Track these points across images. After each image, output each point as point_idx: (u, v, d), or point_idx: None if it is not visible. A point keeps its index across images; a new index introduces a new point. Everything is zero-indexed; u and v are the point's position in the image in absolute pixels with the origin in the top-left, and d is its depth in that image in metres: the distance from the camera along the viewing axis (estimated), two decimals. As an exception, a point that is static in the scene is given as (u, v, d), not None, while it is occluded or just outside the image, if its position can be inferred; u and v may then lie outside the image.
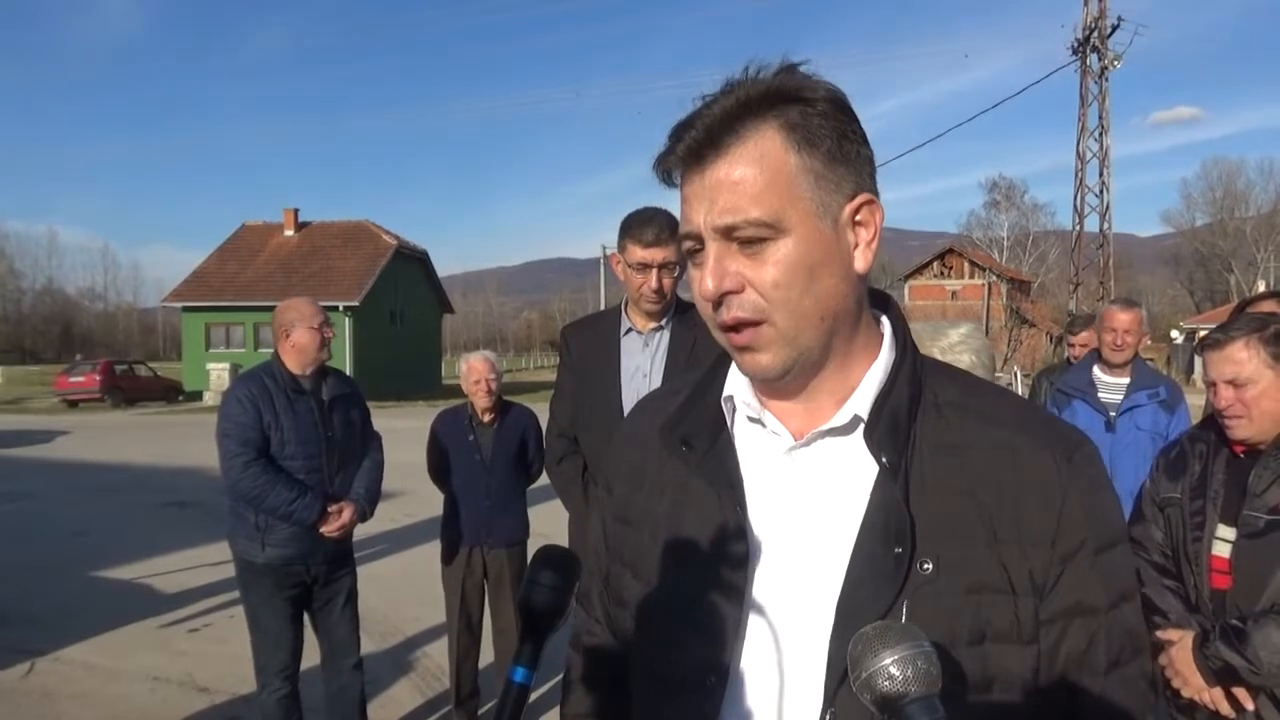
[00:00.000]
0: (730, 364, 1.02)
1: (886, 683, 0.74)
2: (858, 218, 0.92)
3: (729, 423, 1.02)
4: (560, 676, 4.37)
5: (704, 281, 0.91)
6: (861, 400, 0.95)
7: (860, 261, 0.92)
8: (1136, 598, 0.96)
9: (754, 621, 0.95)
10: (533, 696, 4.66)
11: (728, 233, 0.89)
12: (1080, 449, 0.95)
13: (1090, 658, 0.91)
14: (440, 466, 4.29)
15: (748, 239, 0.88)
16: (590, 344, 2.96)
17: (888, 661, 0.74)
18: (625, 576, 1.07)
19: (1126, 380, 4.10)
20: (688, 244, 0.94)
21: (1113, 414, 4.04)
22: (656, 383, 2.76)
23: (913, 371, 0.97)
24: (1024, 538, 0.90)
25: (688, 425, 1.03)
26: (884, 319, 1.02)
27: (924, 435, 0.94)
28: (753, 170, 0.88)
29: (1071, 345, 5.13)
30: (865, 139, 0.93)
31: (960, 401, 0.97)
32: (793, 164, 0.88)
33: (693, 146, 0.90)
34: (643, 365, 2.83)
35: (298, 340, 3.46)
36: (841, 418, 0.95)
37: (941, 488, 0.91)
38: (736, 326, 0.91)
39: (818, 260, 0.89)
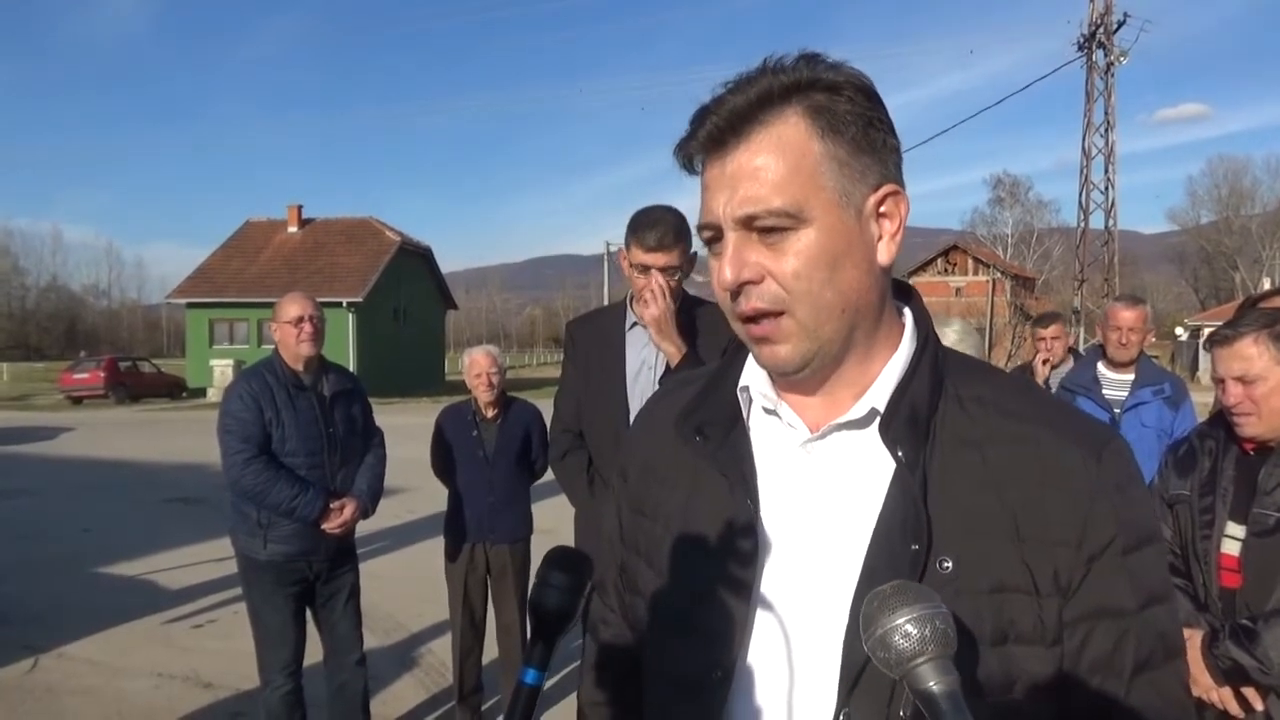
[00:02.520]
0: (748, 354, 1.00)
1: (902, 640, 0.72)
2: (882, 209, 0.90)
3: (745, 413, 1.00)
4: (567, 670, 4.35)
5: (723, 271, 0.89)
6: (879, 393, 0.93)
7: (884, 254, 0.90)
8: (1171, 600, 0.92)
9: (763, 617, 0.93)
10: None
11: (748, 222, 0.87)
12: (1109, 445, 0.91)
13: (1117, 660, 0.88)
14: (444, 462, 4.29)
15: (768, 228, 0.87)
16: (595, 338, 2.95)
17: (904, 620, 0.72)
18: (640, 566, 1.06)
19: (1131, 377, 4.08)
20: (706, 233, 0.92)
21: (1117, 411, 4.02)
22: (661, 377, 2.75)
23: (934, 364, 0.94)
24: (1049, 537, 0.87)
25: (702, 414, 1.01)
26: (906, 310, 0.99)
27: (945, 429, 0.91)
28: (774, 158, 0.86)
29: (1041, 339, 5.04)
30: (892, 128, 0.90)
31: (984, 395, 0.94)
32: (816, 151, 0.86)
33: (714, 133, 0.88)
34: (648, 359, 2.82)
35: (279, 336, 3.48)
36: (858, 410, 0.93)
37: (962, 484, 0.89)
38: (755, 317, 0.89)
39: (840, 251, 0.87)
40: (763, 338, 0.90)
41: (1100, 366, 4.19)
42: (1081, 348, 5.46)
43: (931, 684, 0.71)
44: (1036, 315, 6.04)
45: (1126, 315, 4.08)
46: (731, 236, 0.88)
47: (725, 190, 0.88)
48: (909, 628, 0.72)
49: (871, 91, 0.89)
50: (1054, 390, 4.47)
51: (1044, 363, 4.92)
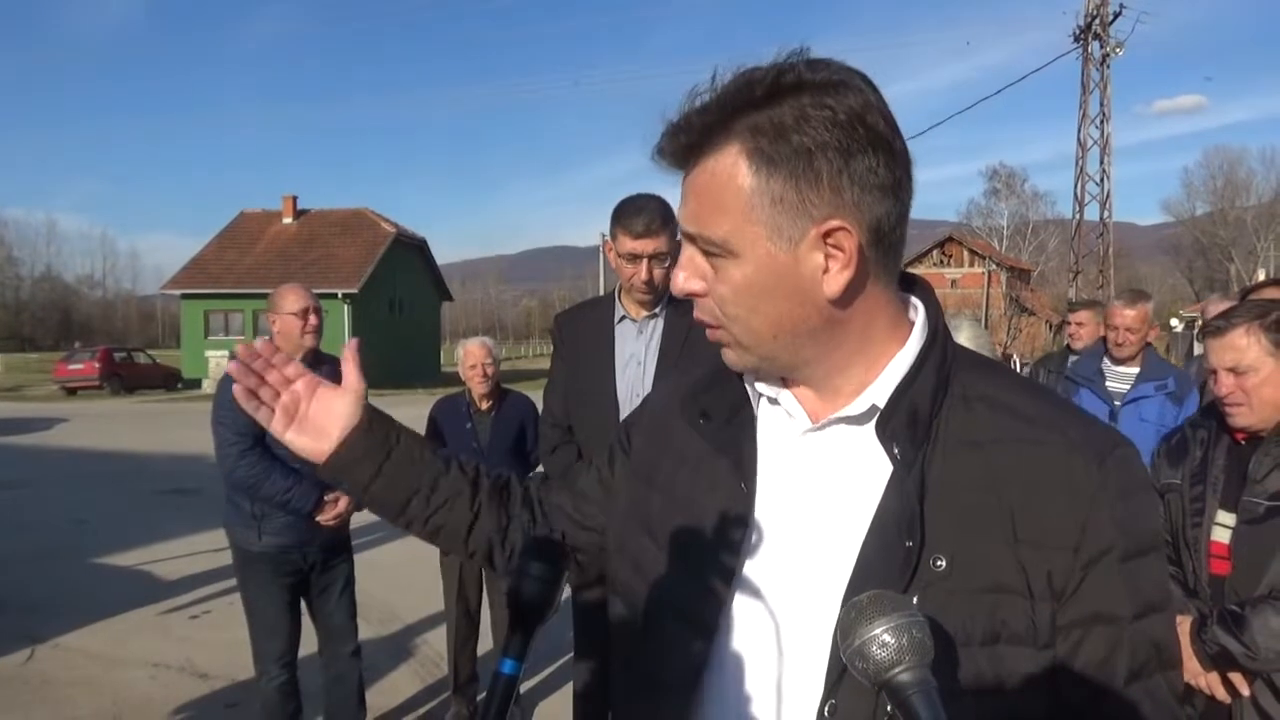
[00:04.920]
0: None
1: (880, 651, 0.72)
2: (830, 241, 0.86)
3: (753, 401, 1.01)
4: (560, 662, 4.32)
5: (676, 277, 0.94)
6: (881, 390, 0.92)
7: (830, 285, 0.87)
8: (1168, 610, 0.92)
9: (750, 602, 0.94)
10: (525, 686, 4.67)
11: (692, 239, 0.92)
12: (1115, 451, 0.89)
13: (1109, 667, 0.87)
14: (438, 454, 4.28)
15: (705, 251, 0.91)
16: (584, 331, 2.95)
17: (881, 630, 0.72)
18: (644, 540, 1.05)
19: (1135, 370, 4.07)
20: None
21: (1117, 404, 4.01)
22: (650, 370, 2.75)
23: (941, 362, 0.93)
24: (1046, 540, 0.86)
25: (708, 398, 1.03)
26: (919, 306, 0.97)
27: (948, 428, 0.90)
28: (711, 189, 0.88)
29: (1068, 324, 5.14)
30: (864, 149, 0.84)
31: (990, 396, 0.93)
32: (748, 187, 0.85)
33: (676, 149, 0.91)
34: (636, 353, 2.81)
35: (280, 327, 3.46)
36: (858, 406, 0.93)
37: (961, 483, 0.88)
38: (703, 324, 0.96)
39: (767, 286, 0.88)
40: (714, 340, 0.96)
41: (1105, 359, 4.19)
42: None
43: (910, 693, 0.71)
44: (1074, 301, 6.17)
45: (1125, 314, 4.06)
46: (686, 248, 0.94)
47: (681, 202, 0.93)
48: (886, 637, 0.72)
49: (846, 118, 0.84)
50: (1061, 380, 4.48)
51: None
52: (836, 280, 0.87)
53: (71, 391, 28.89)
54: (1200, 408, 2.70)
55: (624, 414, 2.68)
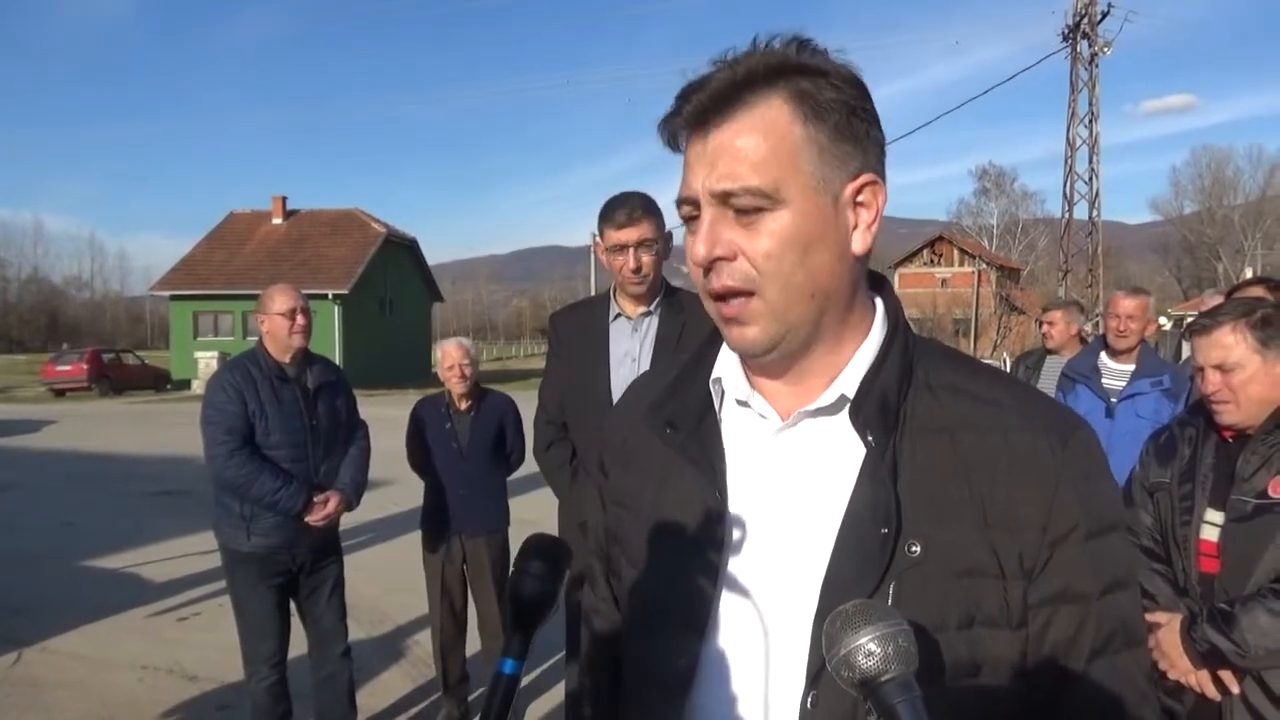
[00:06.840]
0: (720, 345, 1.01)
1: (865, 660, 0.72)
2: (859, 198, 0.90)
3: (717, 405, 1.00)
4: (552, 661, 4.32)
5: (696, 246, 0.90)
6: (849, 380, 0.93)
7: (858, 243, 0.91)
8: (1133, 587, 0.93)
9: (732, 603, 0.94)
10: (522, 684, 4.64)
11: (724, 198, 0.88)
12: (1076, 433, 0.92)
13: (1076, 644, 0.89)
14: (419, 454, 4.28)
15: (743, 208, 0.87)
16: (579, 330, 2.95)
17: (867, 639, 0.72)
18: (619, 555, 1.08)
19: (1131, 367, 4.09)
20: (685, 209, 0.93)
21: (1114, 400, 4.03)
22: (645, 368, 2.75)
23: (903, 350, 0.95)
24: (1015, 522, 0.88)
25: (672, 407, 1.02)
26: (877, 298, 1.00)
27: (914, 416, 0.92)
28: (756, 138, 0.86)
29: (1041, 324, 5.27)
30: (876, 120, 0.91)
31: (954, 382, 0.95)
32: (797, 134, 0.87)
33: (698, 110, 0.88)
34: (631, 350, 2.82)
35: (269, 328, 3.46)
36: (828, 397, 0.93)
37: (931, 469, 0.90)
38: (725, 296, 0.90)
39: (813, 235, 0.88)
40: (732, 318, 0.91)
41: (1102, 355, 4.21)
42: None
43: (895, 701, 0.71)
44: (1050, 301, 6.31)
45: (1126, 304, 4.11)
46: (708, 212, 0.89)
47: (705, 166, 0.88)
48: (872, 646, 0.72)
49: (858, 81, 0.90)
50: (1037, 376, 4.53)
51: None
52: (866, 236, 0.91)
53: (60, 393, 28.70)
54: (1188, 406, 2.71)
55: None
